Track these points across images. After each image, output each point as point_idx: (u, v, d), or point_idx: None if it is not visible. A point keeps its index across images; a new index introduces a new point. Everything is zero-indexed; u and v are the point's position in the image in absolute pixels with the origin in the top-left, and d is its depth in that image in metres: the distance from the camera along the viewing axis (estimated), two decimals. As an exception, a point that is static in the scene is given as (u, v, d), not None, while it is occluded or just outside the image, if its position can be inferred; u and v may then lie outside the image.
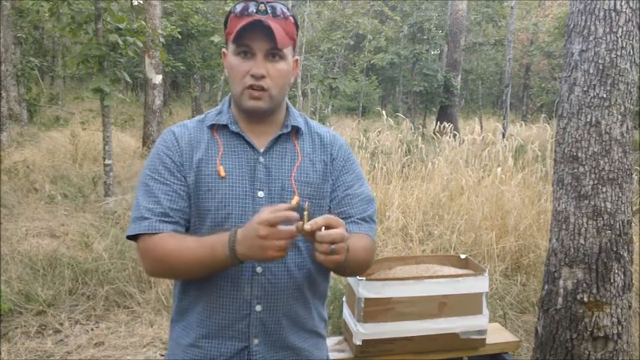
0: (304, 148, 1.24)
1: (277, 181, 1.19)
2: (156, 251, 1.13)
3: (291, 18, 1.17)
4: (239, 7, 1.15)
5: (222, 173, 1.16)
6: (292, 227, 0.98)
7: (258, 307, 1.17)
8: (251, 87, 1.14)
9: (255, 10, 1.13)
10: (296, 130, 1.24)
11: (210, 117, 1.24)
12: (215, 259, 1.06)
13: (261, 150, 1.20)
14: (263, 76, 1.13)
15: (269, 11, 1.14)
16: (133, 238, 1.16)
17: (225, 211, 1.16)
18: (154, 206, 1.14)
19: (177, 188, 1.16)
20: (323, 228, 0.98)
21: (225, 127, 1.21)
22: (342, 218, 1.22)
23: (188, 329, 1.20)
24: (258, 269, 1.16)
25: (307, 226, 0.97)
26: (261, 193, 1.17)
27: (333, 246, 0.97)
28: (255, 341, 1.18)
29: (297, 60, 1.23)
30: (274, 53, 1.14)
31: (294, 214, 0.98)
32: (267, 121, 1.21)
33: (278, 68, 1.15)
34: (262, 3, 1.14)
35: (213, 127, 1.22)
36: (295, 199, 1.18)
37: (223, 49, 1.22)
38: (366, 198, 1.27)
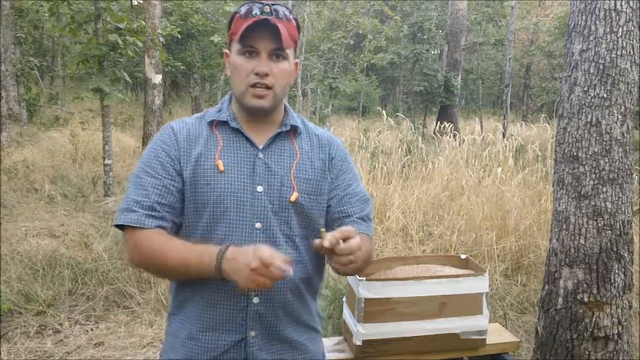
0: (302, 147, 1.26)
1: (277, 177, 1.20)
2: (142, 246, 1.14)
3: (293, 21, 1.19)
4: (244, 9, 1.17)
5: (221, 167, 1.18)
6: (283, 272, 0.98)
7: (256, 300, 1.18)
8: (255, 85, 1.16)
9: (259, 12, 1.15)
10: (294, 130, 1.26)
11: (209, 114, 1.26)
12: (200, 267, 1.08)
13: (261, 146, 1.22)
14: (267, 74, 1.15)
15: (273, 13, 1.16)
16: (120, 227, 1.18)
17: (223, 205, 1.17)
18: (142, 199, 1.16)
19: (167, 183, 1.17)
20: (341, 241, 1.02)
21: (224, 123, 1.23)
22: (342, 217, 1.26)
23: (185, 322, 1.21)
24: None
25: (326, 242, 1.01)
26: (260, 188, 1.19)
27: (351, 257, 1.02)
28: (252, 333, 1.19)
29: (297, 62, 1.25)
30: (278, 53, 1.16)
31: (289, 271, 0.99)
32: (266, 119, 1.23)
33: (281, 67, 1.17)
34: (267, 5, 1.16)
35: (212, 124, 1.23)
36: (294, 196, 1.20)
37: (225, 50, 1.24)
38: (363, 197, 1.31)
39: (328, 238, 1.01)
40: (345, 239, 1.02)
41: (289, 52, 1.18)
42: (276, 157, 1.22)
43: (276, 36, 1.13)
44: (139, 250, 1.15)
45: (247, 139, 1.21)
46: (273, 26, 1.12)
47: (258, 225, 1.18)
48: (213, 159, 1.19)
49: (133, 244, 1.16)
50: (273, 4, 1.17)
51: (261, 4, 1.16)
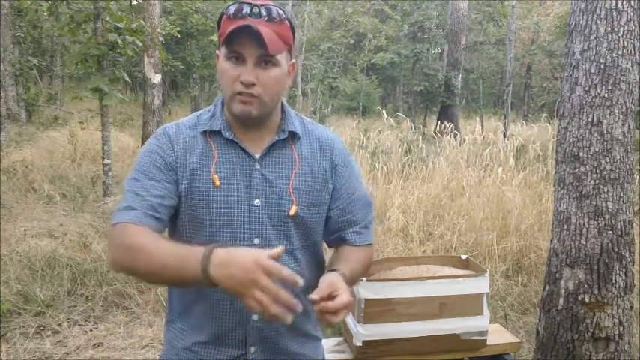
0: (302, 153, 1.19)
1: (274, 189, 1.15)
2: (125, 239, 1.04)
3: (286, 22, 1.11)
4: (232, 9, 1.10)
5: (217, 182, 1.12)
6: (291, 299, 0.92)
7: (255, 316, 1.14)
8: (240, 93, 1.09)
9: (248, 12, 1.08)
10: (292, 135, 1.19)
11: (202, 122, 1.18)
12: (183, 272, 0.96)
13: (257, 156, 1.15)
14: (253, 84, 1.08)
15: (263, 14, 1.08)
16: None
17: (220, 222, 1.13)
18: (142, 199, 1.09)
19: (168, 186, 1.12)
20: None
21: (218, 133, 1.16)
22: (345, 227, 1.22)
23: (183, 333, 1.19)
24: None
25: (314, 295, 1.02)
26: (257, 202, 1.14)
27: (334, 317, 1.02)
28: (252, 349, 1.16)
29: (293, 63, 1.17)
30: (266, 60, 1.08)
31: (295, 278, 0.94)
32: (261, 125, 1.17)
33: (270, 75, 1.09)
34: (256, 5, 1.09)
35: (206, 133, 1.16)
36: (293, 210, 1.15)
37: (217, 51, 1.17)
38: (366, 201, 1.27)
39: (316, 291, 1.03)
40: (332, 297, 1.02)
41: (280, 56, 1.09)
42: (274, 167, 1.16)
43: (261, 43, 1.04)
44: (122, 243, 1.05)
45: (242, 149, 1.15)
46: (256, 33, 1.04)
47: (256, 241, 1.13)
48: (209, 173, 1.13)
49: (116, 237, 1.06)
50: (263, 4, 1.10)
51: (251, 3, 1.09)
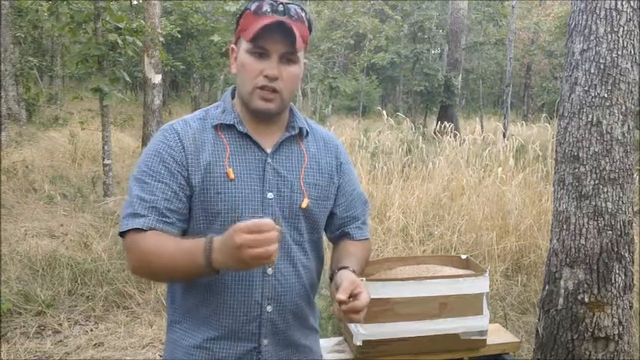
0: (310, 150, 1.23)
1: (286, 183, 1.18)
2: (137, 248, 1.09)
3: (305, 21, 1.15)
4: (254, 5, 1.12)
5: (232, 175, 1.13)
6: (274, 228, 0.94)
7: (269, 308, 1.17)
8: (263, 87, 1.12)
9: (269, 10, 1.10)
10: (300, 132, 1.23)
11: (213, 115, 1.19)
12: (190, 269, 1.03)
13: (269, 151, 1.18)
14: (276, 78, 1.11)
15: (286, 12, 1.11)
16: (123, 233, 1.12)
17: (235, 214, 1.13)
18: (151, 204, 1.10)
19: (176, 189, 1.12)
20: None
21: (230, 127, 1.17)
22: (348, 222, 1.29)
23: (192, 331, 1.18)
24: (269, 270, 1.16)
25: (341, 295, 1.04)
26: (270, 195, 1.16)
27: (355, 316, 1.08)
28: (265, 342, 1.18)
29: (305, 62, 1.20)
30: (289, 57, 1.12)
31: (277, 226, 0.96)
32: (272, 121, 1.19)
33: (291, 72, 1.13)
34: (281, 3, 1.11)
35: (217, 127, 1.18)
36: (305, 202, 1.18)
37: (232, 45, 1.19)
38: (364, 198, 1.33)
39: (342, 292, 1.05)
40: (355, 296, 1.06)
41: (300, 54, 1.14)
42: (285, 161, 1.19)
43: (291, 40, 1.09)
44: (135, 252, 1.09)
45: (255, 143, 1.17)
46: (289, 30, 1.08)
47: None
48: (223, 166, 1.14)
49: (129, 248, 1.10)
50: (286, 2, 1.12)
51: (273, 1, 1.11)
